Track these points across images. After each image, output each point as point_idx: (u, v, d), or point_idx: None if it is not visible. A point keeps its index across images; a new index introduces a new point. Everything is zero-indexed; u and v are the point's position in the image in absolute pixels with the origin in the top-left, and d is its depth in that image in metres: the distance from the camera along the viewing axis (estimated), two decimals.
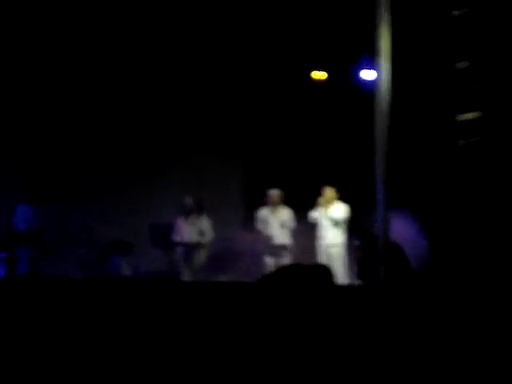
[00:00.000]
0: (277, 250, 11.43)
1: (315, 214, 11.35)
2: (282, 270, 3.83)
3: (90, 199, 12.28)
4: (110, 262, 11.11)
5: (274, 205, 11.80)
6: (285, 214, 11.78)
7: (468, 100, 10.31)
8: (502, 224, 9.67)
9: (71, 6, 12.30)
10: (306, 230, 11.59)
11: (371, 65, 11.01)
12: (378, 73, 10.75)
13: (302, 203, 11.67)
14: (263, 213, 11.86)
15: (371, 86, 11.02)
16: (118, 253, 11.08)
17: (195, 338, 3.80)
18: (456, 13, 10.64)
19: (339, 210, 11.33)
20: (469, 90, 10.30)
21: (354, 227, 11.51)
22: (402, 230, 10.20)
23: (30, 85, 12.54)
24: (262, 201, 11.93)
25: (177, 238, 11.57)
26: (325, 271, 3.79)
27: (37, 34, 12.37)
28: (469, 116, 10.33)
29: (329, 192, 11.35)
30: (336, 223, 11.26)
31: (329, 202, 11.32)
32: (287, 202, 11.91)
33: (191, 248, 11.45)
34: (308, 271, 3.69)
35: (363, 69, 11.69)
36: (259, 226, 11.85)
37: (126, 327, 3.83)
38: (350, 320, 3.68)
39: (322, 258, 11.09)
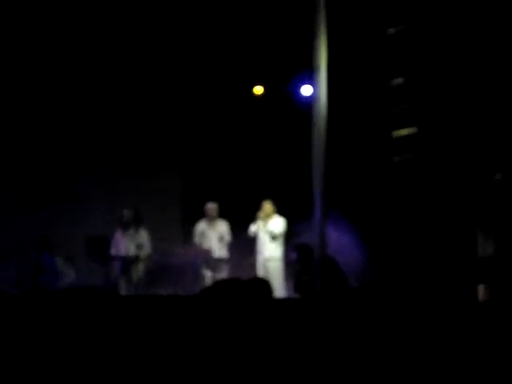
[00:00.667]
0: (215, 264, 11.44)
1: (254, 228, 11.40)
2: (220, 284, 3.83)
3: (25, 212, 12.12)
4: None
5: (211, 218, 11.81)
6: (222, 227, 11.80)
7: (403, 116, 10.50)
8: (435, 234, 9.87)
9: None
10: (245, 244, 11.62)
11: (309, 80, 11.14)
12: (315, 88, 10.89)
13: (241, 217, 11.70)
14: (201, 226, 11.86)
15: (309, 100, 11.18)
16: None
17: (132, 352, 3.79)
18: (392, 30, 10.84)
19: (277, 223, 11.39)
20: (404, 107, 10.50)
21: (291, 241, 11.59)
22: (338, 243, 10.31)
23: None
24: (200, 214, 11.93)
25: (114, 252, 11.48)
26: (263, 285, 3.81)
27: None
28: (404, 132, 10.52)
29: (267, 206, 11.41)
30: (274, 237, 11.32)
31: (267, 216, 11.37)
32: (226, 215, 11.93)
33: (129, 261, 11.37)
34: (246, 285, 3.71)
35: (302, 84, 11.80)
36: (197, 239, 11.85)
37: (62, 341, 3.80)
38: (288, 333, 3.71)
39: (260, 272, 11.13)
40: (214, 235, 11.69)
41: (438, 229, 9.99)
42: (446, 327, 4.02)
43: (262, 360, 3.40)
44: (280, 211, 11.45)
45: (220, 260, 11.47)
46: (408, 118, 10.46)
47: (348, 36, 11.18)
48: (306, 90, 11.60)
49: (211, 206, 11.83)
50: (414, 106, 10.42)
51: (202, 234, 11.80)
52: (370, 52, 11.16)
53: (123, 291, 11.11)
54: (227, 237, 11.76)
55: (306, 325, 4.00)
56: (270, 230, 11.32)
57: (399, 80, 10.74)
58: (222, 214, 11.93)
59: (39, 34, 12.27)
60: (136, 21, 12.53)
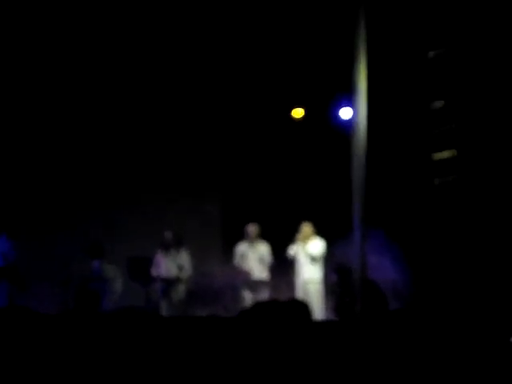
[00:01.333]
0: (255, 285, 11.45)
1: (293, 250, 11.38)
2: (259, 306, 3.84)
3: (68, 233, 12.24)
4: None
5: (252, 239, 11.82)
6: (263, 249, 11.81)
7: (444, 138, 10.45)
8: (479, 257, 9.78)
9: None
10: (285, 265, 11.61)
11: (348, 103, 11.14)
12: (354, 111, 10.89)
13: (281, 238, 11.70)
14: (241, 247, 11.89)
15: (348, 124, 11.18)
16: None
17: (173, 373, 3.82)
18: (432, 53, 10.82)
19: (316, 245, 11.37)
20: (444, 129, 10.45)
21: (331, 263, 11.56)
22: (378, 265, 10.27)
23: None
24: (241, 235, 11.96)
25: (155, 273, 11.56)
26: (302, 307, 3.81)
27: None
28: (444, 154, 10.47)
29: (306, 228, 11.40)
30: (313, 259, 11.30)
31: (306, 238, 11.36)
32: (266, 237, 11.95)
33: (170, 283, 11.44)
34: (285, 307, 3.72)
35: (341, 107, 11.80)
36: (237, 260, 11.88)
37: (104, 362, 3.83)
38: (328, 356, 3.71)
39: (300, 294, 11.12)
40: (255, 257, 11.70)
41: (481, 251, 9.91)
42: (491, 353, 3.97)
43: (300, 380, 3.41)
44: (319, 233, 11.43)
45: (260, 282, 11.48)
46: (448, 141, 10.41)
47: (388, 59, 11.18)
48: (346, 113, 11.60)
49: (252, 228, 11.85)
50: (454, 128, 10.38)
51: (242, 255, 11.82)
52: (410, 75, 11.14)
53: (164, 312, 11.17)
54: (268, 258, 11.76)
55: (345, 348, 3.99)
56: (309, 252, 11.30)
57: (439, 103, 10.70)
58: (262, 236, 11.94)
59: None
60: (165, 39, 12.59)
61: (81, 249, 11.19)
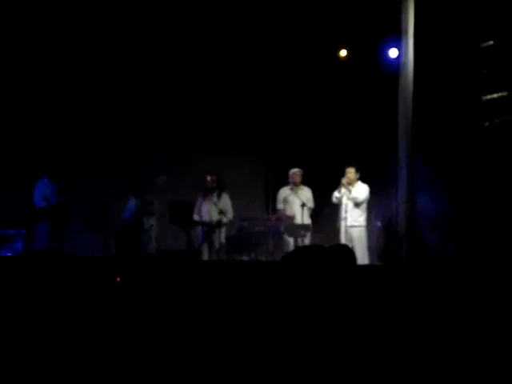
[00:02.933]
0: (298, 230, 11.37)
1: (337, 194, 11.27)
2: (302, 250, 3.78)
3: (109, 176, 12.27)
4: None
5: (295, 184, 11.74)
6: (306, 194, 11.70)
7: (493, 79, 10.18)
8: None
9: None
10: (328, 211, 11.52)
11: (396, 44, 10.91)
12: (401, 51, 10.67)
13: (325, 183, 11.60)
14: (284, 192, 11.80)
15: (395, 64, 10.96)
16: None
17: (214, 315, 3.78)
18: None
19: (361, 190, 11.23)
20: (494, 69, 10.17)
21: (375, 208, 11.45)
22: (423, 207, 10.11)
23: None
24: (284, 180, 11.87)
25: (197, 217, 11.52)
26: (346, 252, 3.73)
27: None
28: (494, 95, 10.20)
29: (350, 172, 11.26)
30: (357, 204, 11.17)
31: (351, 183, 11.23)
32: (309, 181, 11.84)
33: (211, 227, 11.38)
34: (328, 252, 3.64)
35: (388, 47, 11.57)
36: (280, 205, 11.81)
37: (148, 305, 3.82)
38: (370, 301, 3.63)
39: (343, 239, 11.02)
40: (297, 201, 11.61)
41: None
42: None
43: (344, 328, 3.33)
44: (363, 177, 11.29)
45: (303, 226, 11.39)
46: (499, 81, 10.13)
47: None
48: (393, 53, 11.37)
49: (295, 172, 11.75)
50: (504, 68, 10.08)
51: (286, 200, 11.75)
52: (459, 14, 10.82)
53: (205, 257, 11.15)
54: (310, 203, 11.66)
55: (388, 293, 3.92)
56: (353, 197, 11.16)
57: (489, 42, 10.40)
58: (306, 181, 11.84)
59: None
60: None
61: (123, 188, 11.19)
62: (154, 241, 11.07)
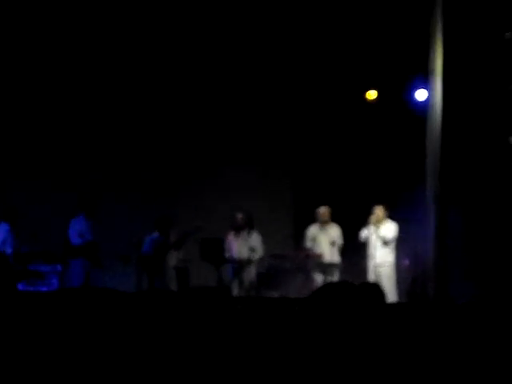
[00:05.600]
0: (326, 268, 11.41)
1: (365, 233, 11.30)
2: (330, 287, 3.80)
3: (142, 212, 12.39)
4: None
5: (323, 222, 11.78)
6: (334, 232, 11.75)
7: None
8: None
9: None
10: (357, 249, 11.55)
11: (424, 85, 10.99)
12: (430, 92, 10.75)
13: (353, 221, 11.63)
14: (312, 230, 11.85)
15: (424, 106, 11.03)
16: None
17: (243, 353, 3.83)
18: (509, 34, 10.58)
19: (389, 228, 11.27)
20: None
21: (403, 247, 11.46)
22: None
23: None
24: (312, 218, 11.92)
25: (227, 255, 11.62)
26: (375, 290, 3.76)
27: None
28: None
29: (379, 211, 11.30)
30: (385, 242, 11.20)
31: (379, 221, 11.27)
32: (337, 219, 11.89)
33: (242, 264, 11.48)
34: (357, 289, 3.67)
35: (416, 89, 11.65)
36: (308, 243, 11.85)
37: (177, 341, 3.86)
38: (399, 339, 3.67)
39: (371, 277, 11.04)
40: (326, 239, 11.65)
41: None
42: None
43: (372, 364, 3.38)
44: (392, 216, 11.33)
45: (331, 264, 11.44)
46: None
47: (464, 40, 10.97)
48: (421, 95, 11.44)
49: (323, 210, 11.79)
50: None
51: (314, 238, 11.78)
52: (487, 56, 10.91)
53: (235, 293, 11.22)
54: (339, 241, 11.69)
55: (417, 331, 3.94)
56: (381, 236, 11.20)
57: None
58: (334, 218, 11.88)
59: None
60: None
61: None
62: (175, 280, 11.19)
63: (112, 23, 12.56)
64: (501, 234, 10.52)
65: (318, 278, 11.40)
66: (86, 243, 11.00)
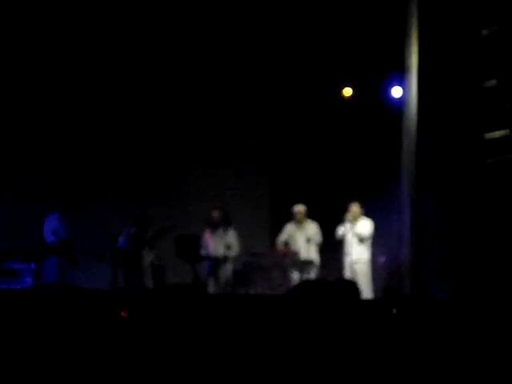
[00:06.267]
0: (303, 265, 11.40)
1: (341, 230, 11.30)
2: (307, 284, 3.81)
3: (116, 210, 12.33)
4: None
5: (299, 220, 11.76)
6: (311, 229, 11.73)
7: (496, 118, 10.26)
8: None
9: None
10: (333, 246, 11.54)
11: (399, 82, 11.01)
12: (405, 90, 10.78)
13: (329, 218, 11.62)
14: (289, 228, 11.83)
15: (399, 103, 11.05)
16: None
17: (219, 348, 3.81)
18: (485, 31, 10.62)
19: (365, 226, 11.27)
20: (497, 108, 10.25)
21: (379, 243, 11.48)
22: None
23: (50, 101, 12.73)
24: (289, 215, 11.91)
25: (203, 252, 11.58)
26: (350, 286, 3.77)
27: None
28: (497, 134, 10.28)
29: (355, 208, 11.30)
30: (361, 239, 11.21)
31: (355, 218, 11.27)
32: (314, 216, 11.87)
33: (218, 261, 11.44)
34: (333, 286, 3.68)
35: (392, 86, 11.66)
36: (282, 238, 11.80)
37: (149, 336, 3.84)
38: (374, 334, 3.67)
39: (348, 274, 11.04)
40: (302, 237, 11.64)
41: None
42: None
43: (348, 359, 3.38)
44: (368, 213, 11.33)
45: (308, 262, 11.43)
46: (501, 120, 10.21)
47: (440, 37, 10.99)
48: (397, 92, 11.46)
49: (298, 208, 11.77)
50: (507, 107, 10.17)
51: (291, 236, 11.76)
52: (463, 53, 10.94)
53: (211, 290, 11.18)
54: (317, 238, 11.65)
55: (392, 326, 3.94)
56: (357, 233, 11.20)
57: (492, 82, 10.50)
58: (311, 215, 11.86)
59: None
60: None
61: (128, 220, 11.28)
62: (150, 277, 11.15)
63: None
64: (476, 231, 10.55)
65: (295, 276, 11.39)
66: (60, 241, 10.92)
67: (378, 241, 11.39)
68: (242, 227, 11.99)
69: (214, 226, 11.61)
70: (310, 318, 3.51)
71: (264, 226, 13.55)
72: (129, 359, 3.73)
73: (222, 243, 11.47)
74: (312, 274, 11.28)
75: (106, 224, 11.77)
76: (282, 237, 11.80)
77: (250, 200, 13.50)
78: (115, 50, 12.84)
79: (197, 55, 13.01)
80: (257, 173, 13.71)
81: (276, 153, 13.69)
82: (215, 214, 11.64)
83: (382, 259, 12.06)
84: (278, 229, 12.07)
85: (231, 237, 11.59)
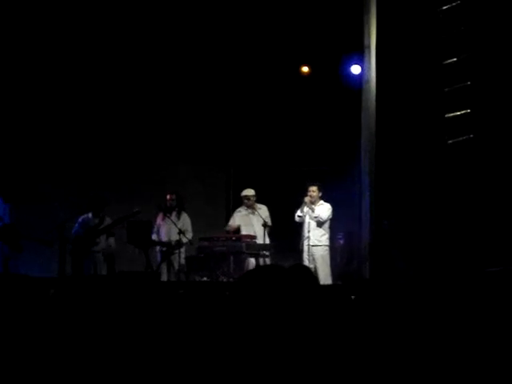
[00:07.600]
0: (259, 250, 11.19)
1: (299, 213, 11.13)
2: (259, 270, 3.63)
3: (63, 197, 12.17)
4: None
5: (249, 204, 11.52)
6: (262, 212, 11.49)
7: (456, 97, 10.14)
8: (490, 218, 9.53)
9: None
10: (290, 230, 11.39)
11: (358, 60, 10.87)
12: (364, 68, 10.63)
13: (287, 202, 11.48)
14: (240, 212, 11.62)
15: (358, 81, 10.92)
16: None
17: (171, 337, 3.65)
18: (444, 8, 10.47)
19: (323, 209, 11.12)
20: (457, 87, 10.13)
21: (337, 227, 11.37)
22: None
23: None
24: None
25: (155, 237, 11.27)
26: (305, 272, 3.58)
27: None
28: (457, 113, 10.16)
29: (313, 191, 11.14)
30: (320, 223, 11.04)
31: (313, 202, 11.11)
32: (272, 200, 11.67)
33: (170, 247, 11.13)
34: (288, 272, 3.48)
35: (351, 64, 11.56)
36: (231, 221, 11.61)
37: (103, 327, 3.68)
38: (331, 321, 3.50)
39: (306, 258, 10.88)
40: (256, 221, 11.44)
41: (492, 214, 9.62)
42: (502, 319, 3.75)
43: (303, 347, 3.18)
44: (326, 196, 11.17)
45: (264, 246, 11.21)
46: (461, 99, 10.08)
47: (399, 14, 10.84)
48: (355, 69, 11.35)
49: (247, 194, 11.55)
50: (467, 86, 10.02)
51: (242, 220, 11.55)
52: (422, 30, 10.78)
53: (164, 277, 10.91)
54: (268, 222, 11.42)
55: (350, 313, 3.80)
56: (316, 216, 11.04)
57: (452, 60, 10.35)
58: (268, 199, 11.66)
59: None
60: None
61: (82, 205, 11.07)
62: (103, 263, 10.86)
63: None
64: (436, 212, 10.44)
65: (251, 261, 11.17)
66: (4, 226, 10.62)
67: (336, 224, 11.28)
68: (197, 212, 11.79)
69: (167, 210, 11.30)
70: (263, 306, 3.30)
71: (219, 210, 13.39)
72: (79, 349, 3.56)
73: (174, 228, 11.13)
74: (268, 259, 11.09)
75: (52, 211, 11.51)
76: (233, 222, 11.59)
77: (205, 184, 13.34)
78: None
79: (147, 48, 12.97)
80: (212, 154, 13.53)
81: (232, 133, 13.54)
82: (168, 197, 11.34)
83: (340, 242, 12.00)
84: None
85: (184, 221, 11.31)
